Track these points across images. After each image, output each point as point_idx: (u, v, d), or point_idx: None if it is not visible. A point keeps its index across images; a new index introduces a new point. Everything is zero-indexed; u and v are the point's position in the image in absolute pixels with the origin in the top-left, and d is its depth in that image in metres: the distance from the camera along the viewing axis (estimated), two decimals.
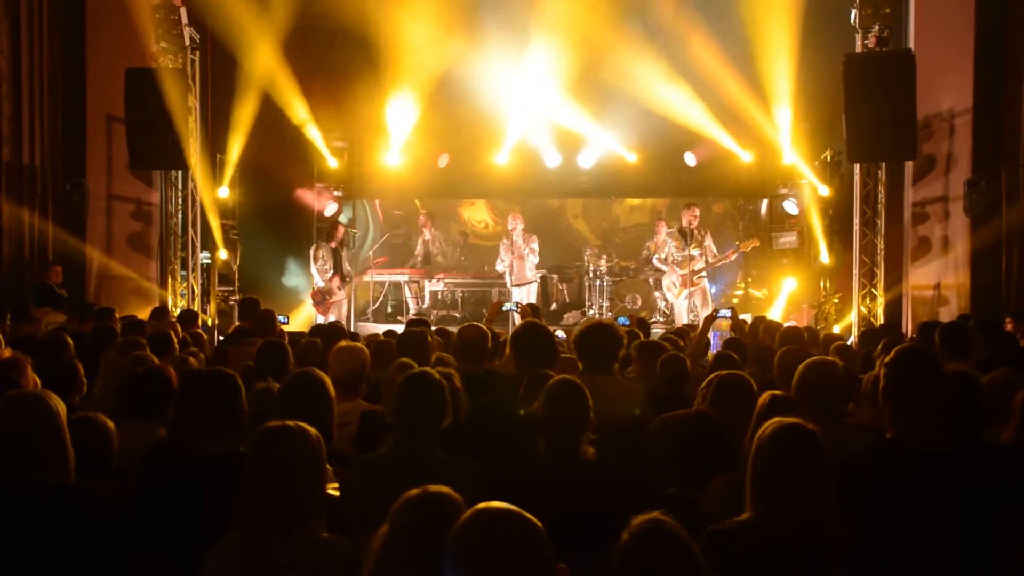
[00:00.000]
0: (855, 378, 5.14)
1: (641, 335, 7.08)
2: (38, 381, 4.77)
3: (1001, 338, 7.16)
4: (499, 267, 14.07)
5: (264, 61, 12.98)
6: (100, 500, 3.01)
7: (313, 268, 13.07)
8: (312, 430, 2.86)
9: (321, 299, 13.04)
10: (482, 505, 2.07)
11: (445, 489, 2.35)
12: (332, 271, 13.03)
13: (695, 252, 12.79)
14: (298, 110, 13.77)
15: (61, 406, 3.00)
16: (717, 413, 4.06)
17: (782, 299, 14.27)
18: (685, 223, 12.99)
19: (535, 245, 13.87)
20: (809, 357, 4.29)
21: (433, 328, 7.71)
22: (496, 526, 2.01)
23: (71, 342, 6.33)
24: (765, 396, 3.76)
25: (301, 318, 13.65)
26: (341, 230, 13.49)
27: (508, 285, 13.95)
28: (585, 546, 2.58)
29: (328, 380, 3.82)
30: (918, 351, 3.45)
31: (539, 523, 2.04)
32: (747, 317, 9.24)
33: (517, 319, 9.32)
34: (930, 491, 3.07)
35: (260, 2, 12.49)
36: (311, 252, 13.17)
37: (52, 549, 2.80)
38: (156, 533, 3.12)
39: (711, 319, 7.55)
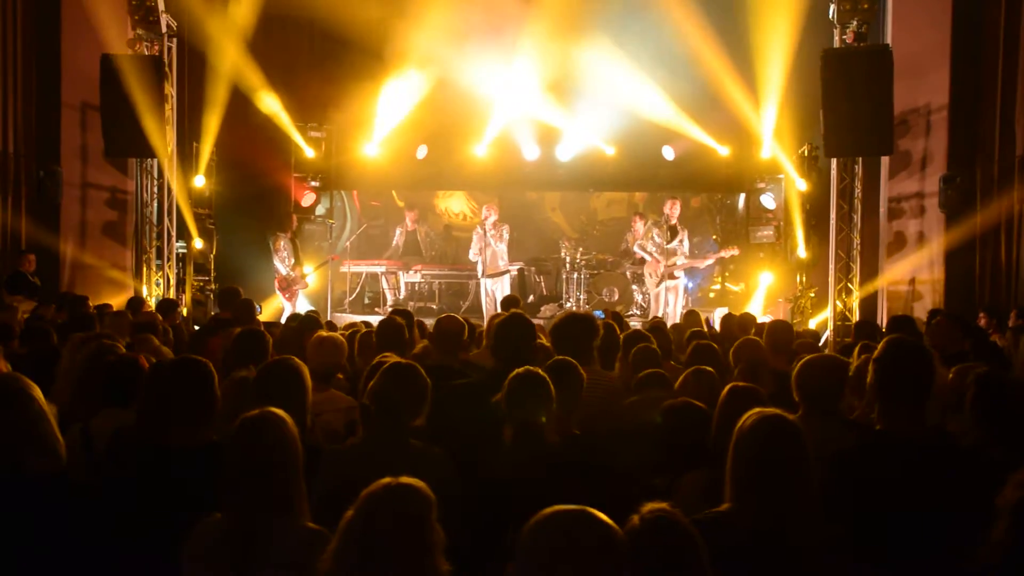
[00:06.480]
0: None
1: (618, 328, 7.09)
2: (8, 368, 4.70)
3: (972, 332, 7.26)
4: (471, 256, 14.08)
5: (239, 51, 12.90)
6: (80, 487, 3.01)
7: (275, 259, 13.53)
8: (290, 419, 2.85)
9: (287, 286, 13.65)
10: (556, 508, 2.06)
11: (415, 481, 2.32)
12: (293, 260, 13.64)
13: (674, 246, 12.81)
14: (272, 100, 13.73)
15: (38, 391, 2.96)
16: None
17: (760, 293, 14.34)
18: (667, 215, 12.98)
19: (506, 234, 13.85)
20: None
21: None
22: (572, 529, 2.02)
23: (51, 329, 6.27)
24: (727, 388, 3.74)
25: (272, 308, 13.72)
26: (295, 220, 13.98)
27: (480, 276, 13.93)
28: None
29: (305, 369, 3.80)
30: (910, 343, 3.40)
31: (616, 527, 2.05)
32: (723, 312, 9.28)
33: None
34: (920, 480, 3.04)
35: None
36: (271, 244, 13.55)
37: (49, 537, 2.80)
38: (124, 520, 3.09)
39: None
